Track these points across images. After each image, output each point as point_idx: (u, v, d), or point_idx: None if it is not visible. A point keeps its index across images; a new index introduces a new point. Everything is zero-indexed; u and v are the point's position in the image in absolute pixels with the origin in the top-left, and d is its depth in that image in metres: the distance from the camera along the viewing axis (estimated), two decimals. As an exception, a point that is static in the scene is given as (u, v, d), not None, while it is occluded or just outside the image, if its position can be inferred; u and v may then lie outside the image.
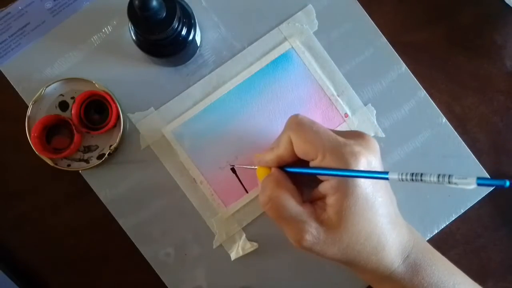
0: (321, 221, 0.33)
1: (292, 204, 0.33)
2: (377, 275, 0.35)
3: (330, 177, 0.33)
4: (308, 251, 0.33)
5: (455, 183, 0.26)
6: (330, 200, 0.33)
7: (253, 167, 0.38)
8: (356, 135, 0.34)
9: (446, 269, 0.35)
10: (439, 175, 0.27)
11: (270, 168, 0.36)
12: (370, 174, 0.31)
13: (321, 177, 0.34)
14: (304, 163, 0.34)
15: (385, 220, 0.33)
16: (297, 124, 0.34)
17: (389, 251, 0.33)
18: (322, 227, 0.33)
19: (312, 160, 0.33)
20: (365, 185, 0.32)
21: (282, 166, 0.36)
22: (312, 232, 0.33)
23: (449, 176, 0.26)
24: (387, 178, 0.29)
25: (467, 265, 0.44)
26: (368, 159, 0.32)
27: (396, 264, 0.34)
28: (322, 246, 0.33)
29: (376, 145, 0.34)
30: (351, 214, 0.32)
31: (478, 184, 0.25)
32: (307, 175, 0.34)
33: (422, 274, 0.34)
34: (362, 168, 0.32)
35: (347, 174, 0.31)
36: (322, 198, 0.34)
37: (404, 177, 0.28)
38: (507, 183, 0.24)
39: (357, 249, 0.33)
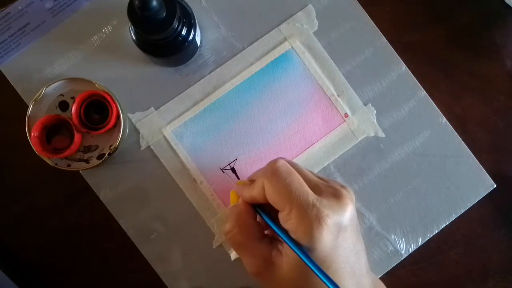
0: (272, 263, 0.33)
1: (248, 240, 0.35)
2: None
3: (293, 231, 0.32)
4: (258, 282, 0.34)
5: None
6: (288, 249, 0.33)
7: (233, 184, 0.39)
8: (333, 194, 0.33)
9: None
10: None
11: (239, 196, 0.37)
12: (324, 278, 0.30)
13: (284, 225, 0.33)
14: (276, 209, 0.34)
15: (346, 282, 0.32)
16: (272, 171, 0.33)
17: None
18: (272, 269, 0.33)
19: (280, 211, 0.33)
20: (325, 245, 0.31)
21: (256, 204, 0.36)
22: (262, 270, 0.34)
23: None
24: None
25: (467, 265, 0.44)
26: (336, 221, 0.32)
27: None
28: (271, 283, 0.34)
29: (349, 207, 0.33)
30: (304, 269, 0.32)
31: None
32: (270, 227, 0.34)
33: None
34: (325, 232, 0.31)
35: (306, 260, 0.31)
36: (282, 241, 0.34)
37: None
38: None
39: None
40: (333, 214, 0.32)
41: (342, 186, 0.34)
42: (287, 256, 0.33)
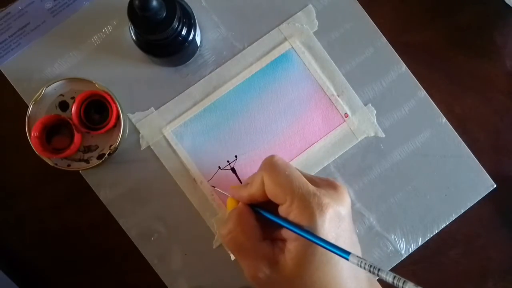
0: (276, 262, 0.33)
1: (249, 241, 0.34)
2: None
3: (296, 222, 0.32)
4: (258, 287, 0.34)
5: None
6: (290, 245, 0.33)
7: (227, 194, 0.38)
8: (329, 185, 0.34)
9: None
10: (394, 277, 0.28)
11: (238, 201, 0.37)
12: (331, 248, 0.31)
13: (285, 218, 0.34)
14: (275, 205, 0.34)
15: (344, 274, 0.32)
16: (270, 165, 0.34)
17: None
18: (277, 269, 0.33)
19: (281, 204, 0.33)
20: (327, 235, 0.32)
21: (253, 204, 0.36)
22: (265, 272, 0.33)
23: (404, 281, 0.27)
24: (346, 258, 0.30)
25: (467, 265, 0.44)
26: (336, 210, 0.32)
27: None
28: (274, 286, 0.33)
29: (347, 197, 0.34)
30: (308, 264, 0.32)
31: None
32: (273, 221, 0.34)
33: None
34: (327, 220, 0.32)
35: (311, 237, 0.31)
36: (283, 240, 0.34)
37: (362, 265, 0.29)
38: None
39: None
40: (333, 203, 0.32)
41: (334, 180, 0.35)
42: (289, 252, 0.33)
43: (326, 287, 0.32)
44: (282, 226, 0.34)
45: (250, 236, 0.34)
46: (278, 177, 0.33)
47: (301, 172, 0.34)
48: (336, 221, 0.32)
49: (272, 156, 0.35)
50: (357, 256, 0.30)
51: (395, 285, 0.27)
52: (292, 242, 0.33)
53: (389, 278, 0.28)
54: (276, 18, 0.43)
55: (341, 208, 0.33)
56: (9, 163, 0.43)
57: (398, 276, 0.28)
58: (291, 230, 0.32)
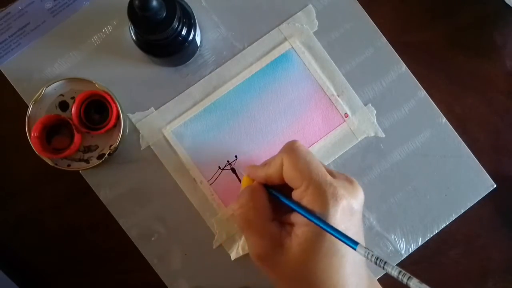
0: (281, 245, 0.33)
1: (259, 219, 0.34)
2: None
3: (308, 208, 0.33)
4: (261, 267, 0.34)
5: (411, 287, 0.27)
6: (298, 230, 0.33)
7: (243, 173, 0.39)
8: (345, 179, 0.34)
9: None
10: (400, 271, 0.28)
11: (253, 180, 0.37)
12: (340, 236, 0.31)
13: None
14: (290, 190, 0.34)
15: (348, 269, 0.32)
16: (292, 149, 0.34)
17: None
18: (280, 252, 0.33)
19: (296, 188, 0.33)
20: (338, 225, 0.32)
21: (267, 186, 0.36)
22: (269, 253, 0.33)
23: (408, 277, 0.27)
24: (354, 248, 0.30)
25: (467, 265, 0.44)
26: (350, 203, 0.33)
27: None
28: (276, 268, 0.33)
29: (361, 193, 0.34)
30: (317, 250, 0.32)
31: None
32: (285, 204, 0.34)
33: None
34: (340, 210, 0.32)
35: (321, 224, 0.31)
36: (292, 224, 0.34)
37: (369, 256, 0.30)
38: None
39: (310, 284, 0.32)
40: (348, 195, 0.33)
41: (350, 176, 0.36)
42: (297, 237, 0.33)
43: (328, 278, 0.32)
44: (292, 211, 0.34)
45: (260, 214, 0.34)
46: (298, 161, 0.33)
47: (320, 161, 0.35)
48: (348, 214, 0.32)
49: (294, 141, 0.35)
50: (365, 247, 0.30)
51: (400, 280, 0.27)
52: (300, 228, 0.33)
53: (394, 272, 0.28)
54: (276, 18, 0.43)
55: (354, 202, 0.33)
56: (9, 163, 0.43)
57: (403, 271, 0.28)
58: (303, 215, 0.32)
